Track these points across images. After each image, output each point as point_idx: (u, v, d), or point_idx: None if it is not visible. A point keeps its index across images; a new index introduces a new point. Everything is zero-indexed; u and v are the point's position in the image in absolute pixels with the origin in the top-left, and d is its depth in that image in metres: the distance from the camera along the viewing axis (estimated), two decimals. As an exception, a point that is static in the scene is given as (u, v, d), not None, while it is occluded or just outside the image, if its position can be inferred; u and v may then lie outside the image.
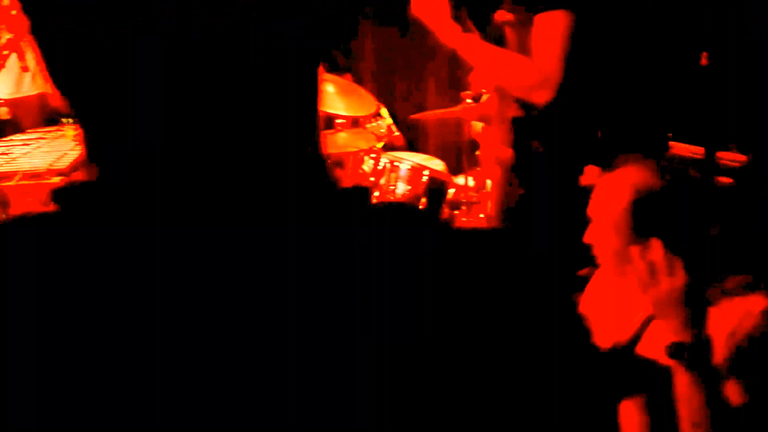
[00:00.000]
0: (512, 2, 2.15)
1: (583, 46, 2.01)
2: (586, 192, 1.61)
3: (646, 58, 2.20)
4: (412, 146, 4.14)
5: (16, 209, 2.25)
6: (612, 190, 1.55)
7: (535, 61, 2.02)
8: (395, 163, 3.27)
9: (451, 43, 2.12)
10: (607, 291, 1.67)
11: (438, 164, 3.57)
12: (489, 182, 2.89)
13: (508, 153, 2.26)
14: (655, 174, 1.52)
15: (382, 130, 3.83)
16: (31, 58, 3.28)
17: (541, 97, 2.02)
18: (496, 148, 2.35)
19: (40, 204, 2.26)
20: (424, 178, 3.22)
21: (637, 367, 1.50)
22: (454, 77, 3.91)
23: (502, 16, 2.17)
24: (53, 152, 2.63)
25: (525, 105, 2.14)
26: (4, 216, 2.21)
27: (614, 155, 1.61)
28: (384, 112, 3.96)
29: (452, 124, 3.77)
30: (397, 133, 4.01)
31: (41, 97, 3.21)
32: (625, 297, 1.59)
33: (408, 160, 3.34)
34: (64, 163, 2.45)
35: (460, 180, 3.38)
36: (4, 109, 3.22)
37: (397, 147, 3.91)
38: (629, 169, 1.55)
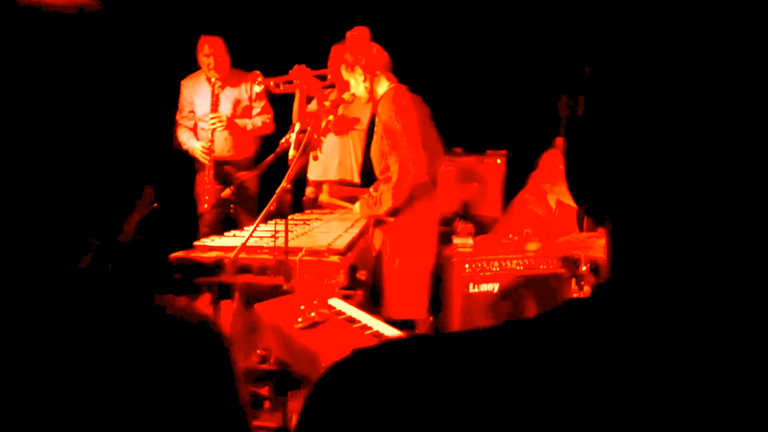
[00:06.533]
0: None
1: None
2: None
3: None
4: None
5: (296, 282, 2.46)
6: None
7: None
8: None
9: None
10: None
11: None
12: None
13: None
14: None
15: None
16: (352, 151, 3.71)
17: None
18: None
19: (318, 279, 2.46)
20: None
21: None
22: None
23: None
24: (330, 233, 2.86)
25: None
26: (287, 287, 2.42)
27: None
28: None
29: None
30: None
31: (342, 183, 3.60)
32: None
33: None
34: (341, 244, 2.65)
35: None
36: (311, 189, 3.61)
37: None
38: None
